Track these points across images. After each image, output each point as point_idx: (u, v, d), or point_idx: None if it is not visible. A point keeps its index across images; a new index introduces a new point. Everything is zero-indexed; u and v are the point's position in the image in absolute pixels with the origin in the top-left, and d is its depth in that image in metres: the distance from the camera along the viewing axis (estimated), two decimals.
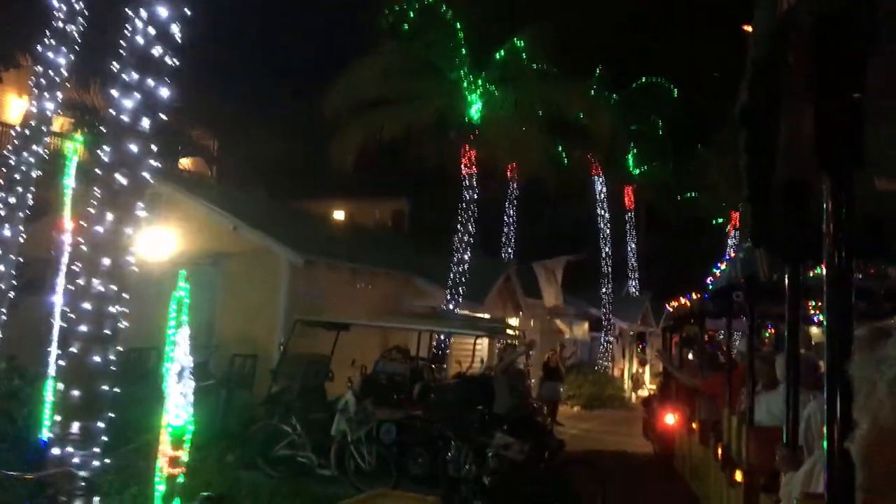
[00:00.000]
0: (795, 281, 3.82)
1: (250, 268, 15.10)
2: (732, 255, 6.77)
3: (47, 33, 8.04)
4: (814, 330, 9.88)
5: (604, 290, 27.87)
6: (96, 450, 5.73)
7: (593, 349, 29.40)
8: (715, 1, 30.50)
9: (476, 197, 17.73)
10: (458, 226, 17.65)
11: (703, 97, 31.11)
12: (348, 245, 18.94)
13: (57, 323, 7.03)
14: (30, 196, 8.26)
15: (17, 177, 8.10)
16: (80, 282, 5.75)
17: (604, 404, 25.11)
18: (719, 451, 7.74)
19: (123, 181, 5.84)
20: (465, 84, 17.65)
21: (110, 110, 6.00)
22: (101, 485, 7.29)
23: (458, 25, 17.29)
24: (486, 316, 19.63)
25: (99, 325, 5.75)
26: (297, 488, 9.44)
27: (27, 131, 8.22)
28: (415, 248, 22.78)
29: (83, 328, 5.73)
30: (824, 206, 2.11)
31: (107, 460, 5.92)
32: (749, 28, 2.48)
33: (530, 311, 24.53)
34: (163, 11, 5.88)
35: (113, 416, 5.91)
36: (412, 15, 17.23)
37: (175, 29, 5.95)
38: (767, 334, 12.69)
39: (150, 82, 5.89)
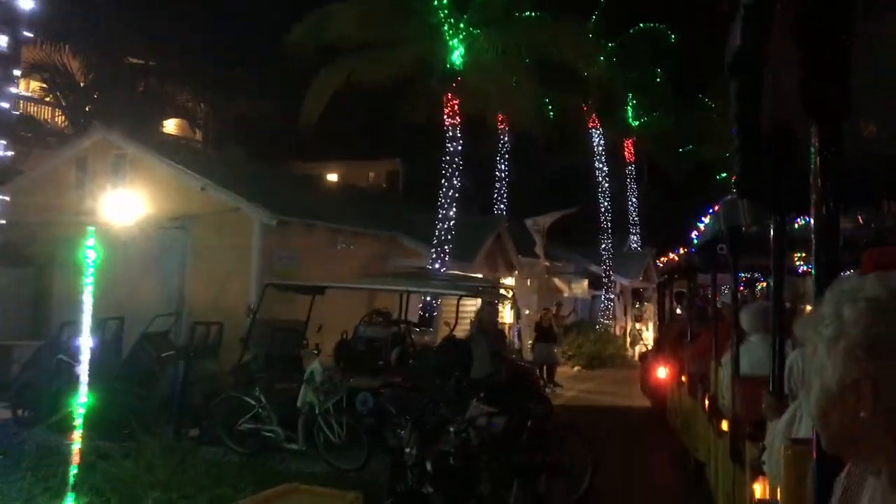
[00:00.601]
0: (781, 231, 3.74)
1: (220, 230, 14.21)
2: (716, 208, 6.26)
3: None
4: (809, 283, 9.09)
5: (603, 246, 26.88)
6: None
7: (594, 307, 28.53)
8: None
9: (460, 149, 16.65)
10: (444, 180, 16.63)
11: (704, 44, 29.80)
12: (330, 205, 17.95)
13: None
14: None
15: None
16: None
17: (605, 363, 24.37)
18: (706, 403, 7.80)
19: None
20: (445, 28, 16.46)
21: None
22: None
23: None
24: (479, 276, 18.76)
25: None
26: (256, 466, 8.64)
27: None
28: (408, 208, 21.85)
29: None
30: (812, 153, 2.10)
31: None
32: None
33: (527, 270, 23.62)
34: None
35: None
36: None
37: None
38: (760, 287, 12.18)
39: None
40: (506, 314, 21.36)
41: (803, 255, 7.09)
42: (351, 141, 38.40)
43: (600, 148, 27.31)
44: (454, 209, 16.45)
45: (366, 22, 15.37)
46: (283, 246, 14.32)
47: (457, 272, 17.10)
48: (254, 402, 9.60)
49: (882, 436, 1.28)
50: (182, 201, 14.50)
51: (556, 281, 26.23)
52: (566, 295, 25.45)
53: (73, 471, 5.42)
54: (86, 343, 5.23)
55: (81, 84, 24.08)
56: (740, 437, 5.50)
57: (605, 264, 26.87)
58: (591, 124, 27.06)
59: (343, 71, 16.11)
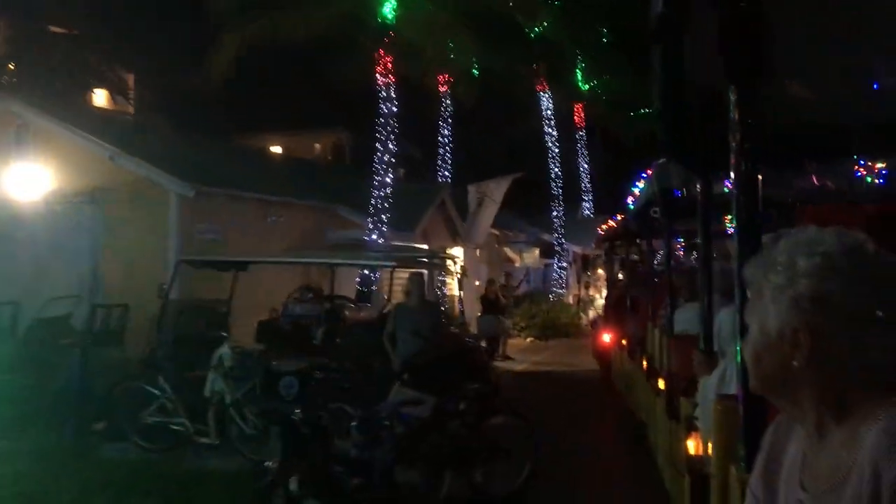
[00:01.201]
0: (707, 193, 3.77)
1: (134, 203, 13.02)
2: (649, 172, 6.27)
3: None
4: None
5: (555, 213, 26.10)
6: None
7: (547, 277, 27.86)
8: None
9: (395, 110, 15.58)
10: (378, 144, 15.57)
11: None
12: (264, 176, 16.77)
13: None
14: None
15: None
16: None
17: (559, 333, 23.75)
18: (644, 363, 7.95)
19: None
20: None
21: None
22: None
23: None
24: (422, 246, 17.85)
25: None
26: (160, 463, 7.69)
27: None
28: (354, 179, 20.77)
29: None
30: (731, 116, 2.23)
31: None
32: None
33: (476, 239, 22.76)
34: None
35: None
36: None
37: None
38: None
39: None
40: (455, 286, 20.59)
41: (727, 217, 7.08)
42: (295, 113, 37.05)
43: (549, 112, 26.38)
44: (390, 176, 15.41)
45: None
46: (204, 219, 13.20)
47: (399, 243, 16.18)
48: (158, 393, 8.59)
49: (809, 386, 1.33)
50: (92, 173, 13.25)
51: (507, 250, 25.49)
52: (518, 265, 24.75)
53: None
54: None
55: None
56: (675, 394, 5.62)
57: (557, 232, 26.12)
58: (539, 87, 26.11)
59: (263, 27, 14.79)
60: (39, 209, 13.31)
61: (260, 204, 14.54)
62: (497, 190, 19.00)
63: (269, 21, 14.63)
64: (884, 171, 4.67)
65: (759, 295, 1.36)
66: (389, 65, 15.09)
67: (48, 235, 13.00)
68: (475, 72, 20.89)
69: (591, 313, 25.45)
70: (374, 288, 14.36)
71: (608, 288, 16.53)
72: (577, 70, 29.83)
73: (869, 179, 4.75)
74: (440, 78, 19.81)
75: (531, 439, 7.62)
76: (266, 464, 5.53)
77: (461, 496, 6.91)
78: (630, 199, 8.52)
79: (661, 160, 5.33)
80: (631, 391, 9.78)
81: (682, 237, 10.19)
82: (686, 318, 6.04)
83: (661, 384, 6.53)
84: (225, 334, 8.73)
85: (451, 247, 20.03)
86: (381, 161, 15.46)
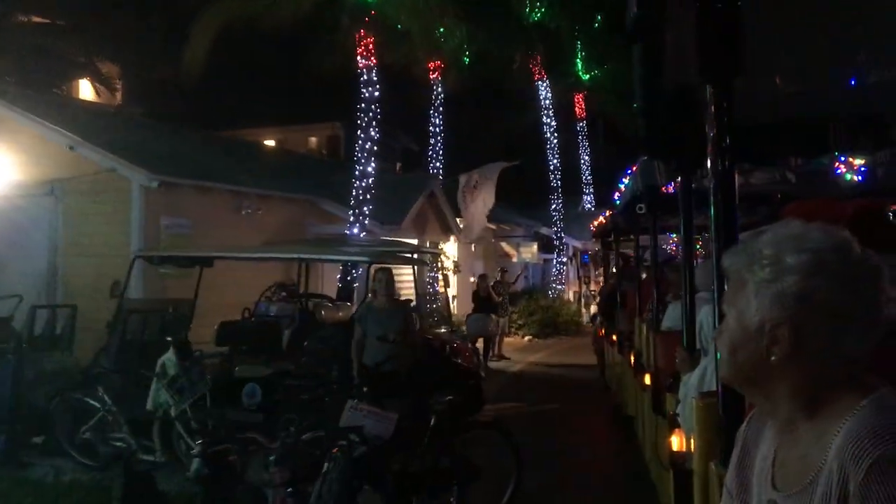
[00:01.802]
0: (688, 190, 3.79)
1: (96, 196, 12.15)
2: (634, 168, 6.13)
3: None
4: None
5: (554, 206, 25.11)
6: None
7: (546, 272, 26.88)
8: None
9: (377, 94, 14.60)
10: (359, 132, 14.61)
11: None
12: (242, 167, 15.81)
13: None
14: None
15: None
16: None
17: (558, 331, 22.86)
18: (632, 359, 7.99)
19: None
20: None
21: None
22: None
23: None
24: (410, 241, 16.92)
25: None
26: (95, 483, 6.79)
27: None
28: (345, 172, 19.82)
29: None
30: (708, 113, 2.27)
31: None
32: None
33: (469, 234, 21.80)
34: None
35: None
36: None
37: None
38: (697, 247, 11.42)
39: None
40: (445, 282, 19.65)
41: None
42: (290, 107, 36.22)
43: (548, 102, 25.37)
44: (373, 165, 14.44)
45: None
46: (172, 212, 12.28)
47: (388, 238, 15.25)
48: (98, 405, 7.67)
49: (783, 381, 1.33)
50: (52, 164, 12.38)
51: (504, 245, 24.54)
52: (515, 260, 23.78)
53: None
54: None
55: None
56: (661, 389, 5.56)
57: (556, 226, 25.13)
58: (537, 77, 25.11)
59: (240, 10, 13.78)
60: None
61: (234, 196, 13.61)
62: (487, 179, 18.01)
63: (244, 4, 13.60)
64: (863, 168, 4.78)
65: (740, 286, 1.36)
66: (371, 46, 14.11)
67: (4, 230, 12.13)
68: (466, 59, 19.96)
69: (593, 309, 24.56)
70: (356, 285, 13.42)
71: (603, 283, 16.36)
72: (577, 59, 28.84)
73: (848, 176, 4.85)
74: (430, 64, 18.81)
75: (515, 455, 6.73)
76: None
77: None
78: (617, 195, 8.55)
79: (646, 157, 5.16)
80: (621, 387, 9.84)
81: (674, 233, 10.16)
82: (674, 314, 5.96)
83: (647, 380, 6.53)
84: (170, 338, 7.76)
85: (444, 241, 19.10)
86: (363, 149, 14.48)
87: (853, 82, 3.59)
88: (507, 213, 25.89)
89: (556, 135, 25.58)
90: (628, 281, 10.23)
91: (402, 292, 12.50)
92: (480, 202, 18.73)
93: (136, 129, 15.04)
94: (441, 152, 19.50)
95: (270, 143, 36.32)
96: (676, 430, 4.46)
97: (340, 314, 12.05)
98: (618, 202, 8.27)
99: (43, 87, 21.04)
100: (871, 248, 1.33)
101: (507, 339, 19.83)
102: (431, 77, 19.33)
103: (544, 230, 26.10)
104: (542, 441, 8.58)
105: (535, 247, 23.83)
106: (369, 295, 8.85)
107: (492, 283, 18.32)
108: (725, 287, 1.44)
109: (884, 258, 1.33)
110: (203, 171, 13.30)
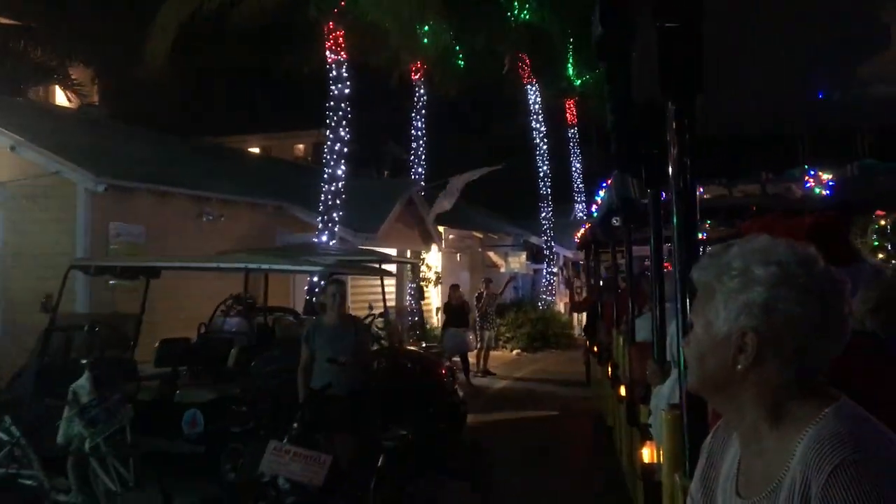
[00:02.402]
0: (656, 204, 3.76)
1: (40, 200, 11.19)
2: (609, 181, 6.16)
3: None
4: None
5: (543, 215, 24.15)
6: None
7: (537, 283, 25.90)
8: None
9: (347, 92, 13.63)
10: (328, 132, 13.64)
11: None
12: (209, 173, 14.84)
13: None
14: None
15: None
16: None
17: (548, 345, 21.88)
18: (609, 370, 8.15)
19: None
20: None
21: None
22: None
23: None
24: (393, 251, 15.98)
25: None
26: None
27: None
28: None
29: None
30: (669, 130, 2.31)
31: None
32: None
33: (455, 243, 20.88)
34: None
35: None
36: None
37: None
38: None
39: None
40: (433, 293, 18.71)
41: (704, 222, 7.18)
42: (277, 113, 35.39)
43: (537, 106, 24.46)
44: (342, 168, 13.47)
45: None
46: (122, 219, 11.33)
47: (363, 248, 14.30)
48: (6, 437, 6.69)
49: (748, 389, 1.36)
50: None
51: (492, 255, 23.60)
52: (503, 270, 22.83)
53: None
54: None
55: None
56: (635, 400, 5.56)
57: (546, 235, 24.17)
58: (526, 80, 24.21)
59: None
60: None
61: (194, 201, 12.67)
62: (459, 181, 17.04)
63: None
64: (830, 182, 4.86)
65: (709, 297, 1.39)
66: (341, 40, 13.15)
67: None
68: (460, 62, 19.06)
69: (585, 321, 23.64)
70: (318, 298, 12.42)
71: (585, 295, 16.30)
72: (569, 64, 27.97)
73: (817, 190, 4.94)
74: (412, 66, 17.89)
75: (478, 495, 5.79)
76: None
77: None
78: (594, 207, 8.54)
79: None
80: (601, 398, 9.85)
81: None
82: (645, 326, 5.87)
83: (623, 391, 6.62)
84: (85, 361, 6.77)
85: (425, 251, 18.14)
86: (332, 151, 13.52)
87: (820, 96, 3.58)
88: (496, 221, 24.97)
89: (545, 140, 24.65)
90: (607, 292, 10.19)
91: (377, 306, 11.60)
92: (446, 203, 17.78)
93: (92, 132, 14.05)
94: (423, 157, 18.56)
95: (255, 150, 35.47)
96: (648, 441, 4.45)
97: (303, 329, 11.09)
98: (595, 214, 8.39)
99: (10, 91, 20.14)
100: (827, 259, 1.38)
101: (494, 354, 18.89)
102: (414, 79, 18.39)
103: (534, 239, 25.16)
104: (518, 449, 8.64)
105: (523, 256, 22.88)
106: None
107: (476, 295, 17.40)
108: (690, 298, 1.74)
109: (841, 269, 1.39)
110: (159, 175, 12.33)
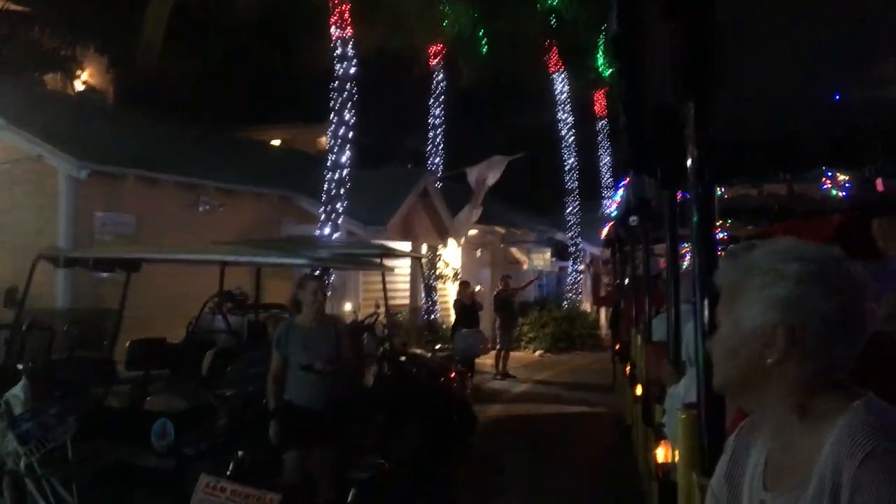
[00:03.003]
0: (672, 205, 3.78)
1: (21, 187, 10.43)
2: (627, 180, 5.90)
3: None
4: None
5: (569, 209, 23.07)
6: None
7: (562, 281, 24.84)
8: None
9: (353, 71, 12.66)
10: (332, 115, 12.72)
11: None
12: (201, 158, 13.90)
13: None
14: None
15: None
16: None
17: (573, 345, 20.86)
18: (627, 369, 8.18)
19: None
20: None
21: None
22: None
23: None
24: (407, 246, 15.11)
25: None
26: None
27: None
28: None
29: None
30: (687, 129, 2.32)
31: None
32: None
33: (476, 239, 19.90)
34: None
35: None
36: None
37: None
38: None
39: None
40: (450, 291, 17.75)
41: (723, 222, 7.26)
42: (302, 104, 34.83)
43: (564, 96, 23.36)
44: (347, 155, 12.54)
45: None
46: (110, 207, 10.54)
47: (376, 242, 13.40)
48: None
49: (777, 383, 1.39)
50: None
51: (514, 251, 22.58)
52: (525, 267, 21.82)
53: None
54: None
55: None
56: (650, 400, 5.57)
57: (572, 231, 23.09)
58: (552, 69, 23.12)
59: None
60: None
61: (189, 190, 11.85)
62: (490, 174, 16.07)
63: None
64: (847, 184, 4.86)
65: (737, 294, 1.42)
66: (346, 15, 12.20)
67: None
68: (484, 48, 18.07)
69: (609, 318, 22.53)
70: (329, 294, 11.53)
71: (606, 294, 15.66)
72: (598, 54, 26.83)
73: (834, 192, 4.95)
74: (431, 49, 16.90)
75: None
76: None
77: None
78: (614, 206, 8.48)
79: None
80: (622, 398, 9.92)
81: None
82: (660, 327, 5.77)
83: (639, 390, 6.59)
84: (22, 366, 5.93)
85: (442, 246, 17.18)
86: (336, 136, 12.60)
87: (836, 98, 3.51)
88: (519, 216, 23.92)
89: (572, 132, 23.55)
90: (629, 291, 10.05)
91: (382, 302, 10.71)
92: (473, 215, 16.84)
93: (84, 117, 13.28)
94: (441, 147, 17.56)
95: (277, 142, 34.94)
96: (662, 441, 4.42)
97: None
98: (614, 213, 8.41)
99: (21, 78, 19.61)
100: (854, 256, 1.42)
101: (515, 355, 17.93)
102: (432, 64, 17.41)
103: (559, 236, 24.09)
104: (531, 447, 8.72)
105: (547, 253, 21.81)
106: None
107: (494, 294, 16.44)
108: (709, 298, 1.96)
109: (867, 266, 1.44)
110: (150, 162, 11.50)
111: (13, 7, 22.22)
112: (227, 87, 31.39)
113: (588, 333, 21.90)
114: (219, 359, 7.31)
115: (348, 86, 12.41)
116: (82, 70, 22.57)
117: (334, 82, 12.55)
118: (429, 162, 17.46)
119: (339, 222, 11.99)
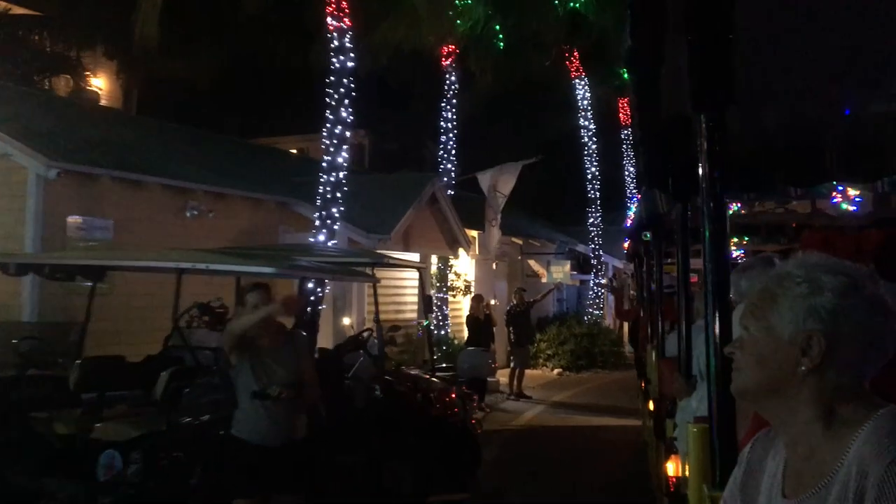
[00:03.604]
0: (684, 219, 3.76)
1: None
2: (639, 196, 5.80)
3: None
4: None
5: (591, 220, 22.04)
6: None
7: (583, 295, 23.76)
8: None
9: (351, 64, 11.76)
10: (327, 112, 11.83)
11: None
12: (189, 160, 13.06)
13: None
14: None
15: None
16: None
17: (594, 363, 19.79)
18: (642, 384, 8.49)
19: None
20: None
21: None
22: None
23: None
24: (415, 255, 14.17)
25: None
26: None
27: None
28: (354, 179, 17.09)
29: None
30: (700, 143, 2.26)
31: None
32: None
33: (493, 249, 18.90)
34: None
35: None
36: None
37: None
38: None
39: None
40: (462, 305, 16.78)
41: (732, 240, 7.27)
42: (315, 114, 34.36)
43: (586, 103, 22.37)
44: (342, 156, 11.62)
45: None
46: (85, 210, 9.71)
47: (385, 251, 12.50)
48: None
49: (808, 390, 1.39)
50: None
51: (532, 263, 21.57)
52: (544, 280, 20.77)
53: None
54: None
55: None
56: (662, 415, 5.57)
57: (593, 243, 22.03)
58: (574, 74, 22.16)
59: None
60: None
61: (176, 193, 11.00)
62: (506, 180, 15.12)
63: None
64: (857, 199, 5.04)
65: (770, 302, 1.42)
66: (344, 4, 11.33)
67: None
68: (500, 44, 17.18)
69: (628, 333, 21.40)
70: (321, 307, 10.60)
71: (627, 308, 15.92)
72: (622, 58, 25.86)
73: (844, 206, 5.12)
74: (443, 49, 16.03)
75: None
76: None
77: None
78: (629, 221, 8.52)
79: None
80: (640, 413, 9.97)
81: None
82: (674, 343, 5.55)
83: (651, 405, 6.60)
84: None
85: (453, 256, 16.21)
86: (332, 135, 11.70)
87: (847, 113, 3.42)
88: (538, 226, 22.93)
89: (594, 140, 22.54)
90: (643, 306, 9.90)
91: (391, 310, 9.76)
92: (495, 231, 15.92)
93: (64, 116, 12.50)
94: (454, 152, 16.65)
95: (292, 151, 34.43)
96: (673, 455, 4.42)
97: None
98: (628, 227, 8.52)
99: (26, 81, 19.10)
100: (885, 276, 1.54)
101: (532, 373, 16.91)
102: (444, 64, 16.52)
103: (580, 247, 23.04)
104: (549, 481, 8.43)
105: (567, 266, 20.74)
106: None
107: (508, 309, 15.45)
108: (721, 311, 2.07)
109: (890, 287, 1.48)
110: (131, 163, 10.66)
111: (18, 11, 21.83)
112: (239, 96, 30.94)
113: (610, 350, 20.83)
114: (174, 380, 6.38)
115: (344, 81, 11.51)
116: (93, 75, 22.05)
117: (329, 77, 11.67)
118: (440, 168, 16.53)
119: (335, 229, 11.06)
